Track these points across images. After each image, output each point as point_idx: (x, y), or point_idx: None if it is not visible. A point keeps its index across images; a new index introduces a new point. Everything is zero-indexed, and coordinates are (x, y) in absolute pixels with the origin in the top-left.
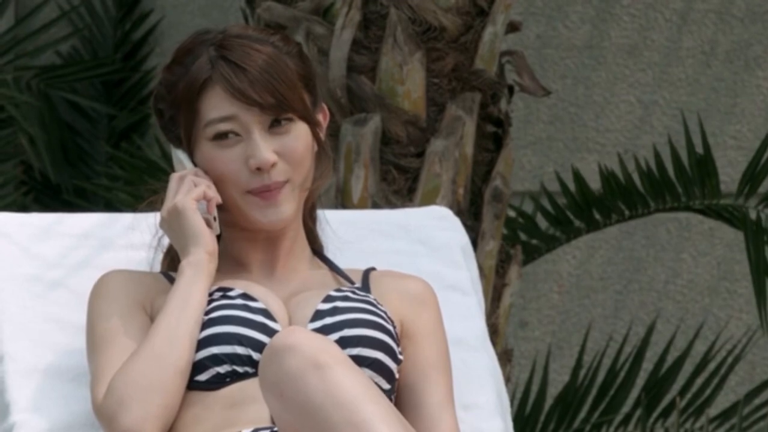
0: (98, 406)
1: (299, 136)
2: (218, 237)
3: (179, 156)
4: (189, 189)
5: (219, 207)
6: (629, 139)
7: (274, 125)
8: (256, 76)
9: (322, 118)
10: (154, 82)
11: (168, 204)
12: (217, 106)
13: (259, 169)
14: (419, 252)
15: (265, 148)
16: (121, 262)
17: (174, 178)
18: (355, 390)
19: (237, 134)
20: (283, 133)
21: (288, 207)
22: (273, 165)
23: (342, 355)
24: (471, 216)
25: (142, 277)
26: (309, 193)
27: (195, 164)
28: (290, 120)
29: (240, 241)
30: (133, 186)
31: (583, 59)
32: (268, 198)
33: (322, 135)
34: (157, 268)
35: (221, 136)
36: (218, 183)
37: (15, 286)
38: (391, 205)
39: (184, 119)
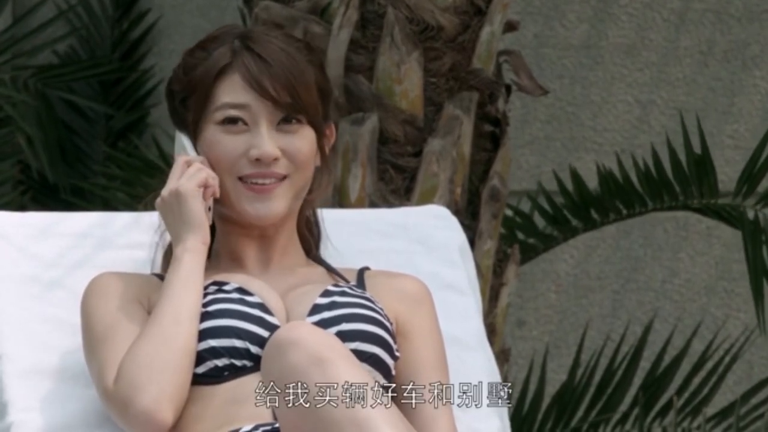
0: (110, 392)
1: (305, 138)
2: (212, 230)
3: (183, 141)
4: (194, 175)
5: (215, 200)
6: (627, 139)
7: (283, 123)
8: (276, 71)
9: (329, 133)
10: (152, 82)
11: (170, 185)
12: (231, 92)
13: (258, 160)
14: (417, 251)
15: (269, 141)
16: (119, 261)
17: (180, 161)
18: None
19: (245, 123)
20: (291, 132)
21: (280, 203)
22: (275, 160)
23: (345, 351)
24: (468, 215)
25: (135, 277)
26: (305, 202)
27: (197, 149)
28: (300, 122)
29: (235, 235)
30: (131, 186)
31: (580, 59)
32: (262, 192)
33: (328, 150)
34: (158, 266)
35: (229, 122)
36: (214, 168)
37: (13, 286)
38: (389, 205)
39: (196, 102)
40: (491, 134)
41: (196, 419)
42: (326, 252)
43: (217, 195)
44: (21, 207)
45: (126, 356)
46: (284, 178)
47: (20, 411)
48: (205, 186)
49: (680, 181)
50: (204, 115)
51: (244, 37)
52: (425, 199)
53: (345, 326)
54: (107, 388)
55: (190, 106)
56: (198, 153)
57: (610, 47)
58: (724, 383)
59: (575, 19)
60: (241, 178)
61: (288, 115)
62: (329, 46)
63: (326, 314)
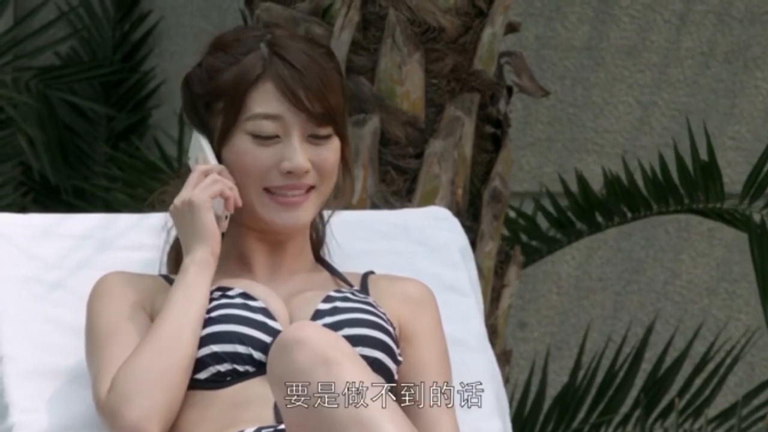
0: (102, 402)
1: (333, 149)
2: (222, 234)
3: (201, 143)
4: (209, 186)
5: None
6: (628, 140)
7: (313, 136)
8: (310, 81)
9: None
10: (153, 83)
11: (184, 195)
12: (265, 102)
13: (290, 173)
14: (418, 253)
15: (301, 154)
16: (121, 262)
17: (198, 170)
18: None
19: (277, 135)
20: (320, 145)
21: (307, 213)
22: (306, 172)
23: (351, 352)
24: (470, 217)
25: (141, 279)
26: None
27: (220, 155)
28: (328, 136)
29: (247, 239)
30: (132, 187)
31: (581, 60)
32: (290, 204)
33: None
34: (164, 267)
35: (263, 137)
36: (240, 177)
37: (14, 287)
38: (390, 206)
39: (226, 109)
40: (492, 135)
41: (197, 422)
42: (331, 248)
43: (240, 203)
44: (22, 208)
45: (121, 367)
46: (311, 188)
47: (21, 412)
48: (226, 197)
49: (687, 186)
50: (234, 123)
51: (273, 44)
52: (426, 201)
53: (347, 331)
54: (100, 398)
55: (216, 111)
56: (219, 157)
57: (611, 49)
58: (726, 385)
59: (576, 21)
60: (268, 189)
61: (320, 126)
62: (330, 48)
63: (328, 319)
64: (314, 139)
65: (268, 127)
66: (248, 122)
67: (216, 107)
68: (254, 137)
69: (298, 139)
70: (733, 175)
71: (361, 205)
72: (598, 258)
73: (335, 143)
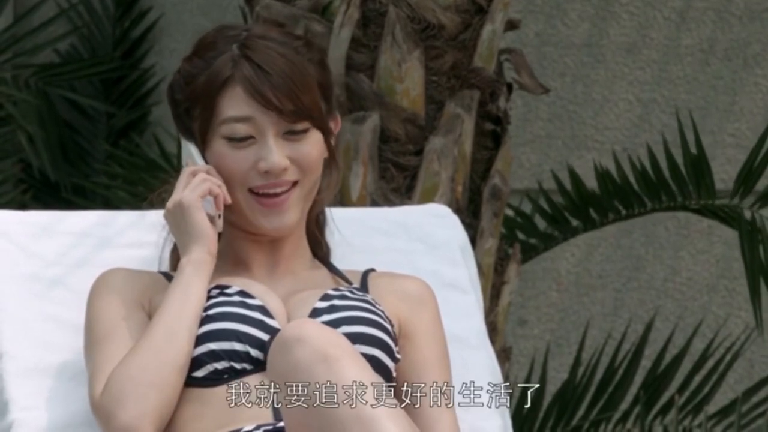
0: (96, 402)
1: (313, 143)
2: (219, 235)
3: (190, 149)
4: (197, 186)
5: (225, 206)
6: (628, 138)
7: (289, 133)
8: (278, 80)
9: (334, 126)
10: (153, 80)
11: (175, 197)
12: (235, 105)
13: (267, 172)
14: (418, 250)
15: (277, 152)
16: (120, 260)
17: (186, 172)
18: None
19: (251, 136)
20: (298, 140)
21: (293, 214)
22: (284, 170)
23: (351, 349)
24: (470, 214)
25: (141, 276)
26: (315, 201)
27: (206, 159)
28: (305, 130)
29: (242, 240)
30: (132, 184)
31: (582, 57)
32: (274, 206)
33: (333, 141)
34: (165, 264)
35: (236, 140)
36: (225, 181)
37: (14, 285)
38: (390, 203)
39: (201, 114)
40: (492, 133)
41: (195, 419)
42: (332, 245)
43: (229, 201)
44: (22, 205)
45: (116, 369)
46: (294, 183)
47: (21, 410)
48: (215, 195)
49: (677, 182)
50: (209, 127)
51: (243, 46)
52: (426, 198)
53: (345, 329)
54: (94, 398)
55: (195, 117)
56: (206, 161)
57: (611, 46)
58: (725, 381)
59: (577, 18)
60: (251, 189)
61: (293, 123)
62: (330, 45)
63: (326, 317)
64: (291, 135)
65: (240, 129)
66: (222, 126)
67: (195, 113)
68: (229, 140)
69: (272, 138)
70: (733, 172)
71: (360, 203)
72: (598, 255)
73: (315, 136)
